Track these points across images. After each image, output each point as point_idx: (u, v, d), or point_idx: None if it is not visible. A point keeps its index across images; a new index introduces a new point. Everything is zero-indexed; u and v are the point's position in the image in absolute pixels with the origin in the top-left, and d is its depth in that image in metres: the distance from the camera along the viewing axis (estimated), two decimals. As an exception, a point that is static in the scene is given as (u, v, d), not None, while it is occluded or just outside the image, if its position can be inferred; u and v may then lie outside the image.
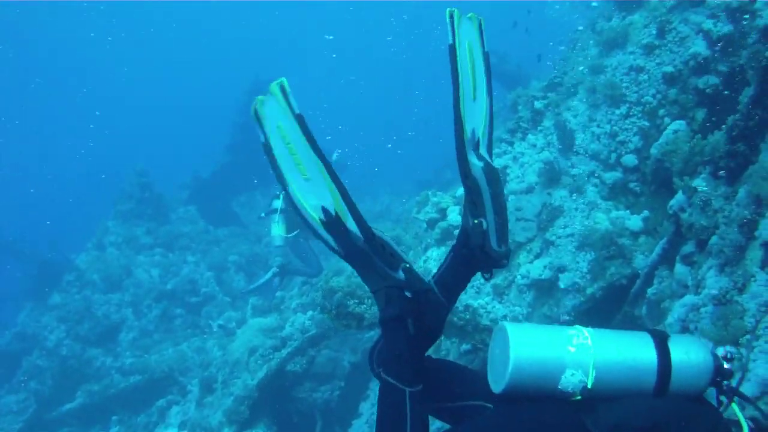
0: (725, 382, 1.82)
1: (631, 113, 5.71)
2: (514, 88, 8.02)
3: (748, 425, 1.75)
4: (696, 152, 4.32)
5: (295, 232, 9.07)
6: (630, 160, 5.62)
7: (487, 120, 2.14)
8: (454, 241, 2.20)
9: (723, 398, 1.85)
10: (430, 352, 2.13)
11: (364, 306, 5.03)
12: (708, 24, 5.27)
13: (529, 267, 5.61)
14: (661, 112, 5.49)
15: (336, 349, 8.34)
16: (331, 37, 41.50)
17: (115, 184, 15.47)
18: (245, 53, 40.51)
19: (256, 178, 15.34)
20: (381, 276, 1.98)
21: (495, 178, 2.08)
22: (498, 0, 18.89)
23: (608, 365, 1.79)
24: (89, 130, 40.63)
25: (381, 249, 1.97)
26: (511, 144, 6.74)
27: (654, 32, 5.74)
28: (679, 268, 4.23)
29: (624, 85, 5.81)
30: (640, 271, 4.95)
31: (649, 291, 4.61)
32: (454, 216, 6.70)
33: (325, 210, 1.92)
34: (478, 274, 2.17)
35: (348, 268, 2.06)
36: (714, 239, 3.79)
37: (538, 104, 6.65)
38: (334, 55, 40.28)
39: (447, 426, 2.07)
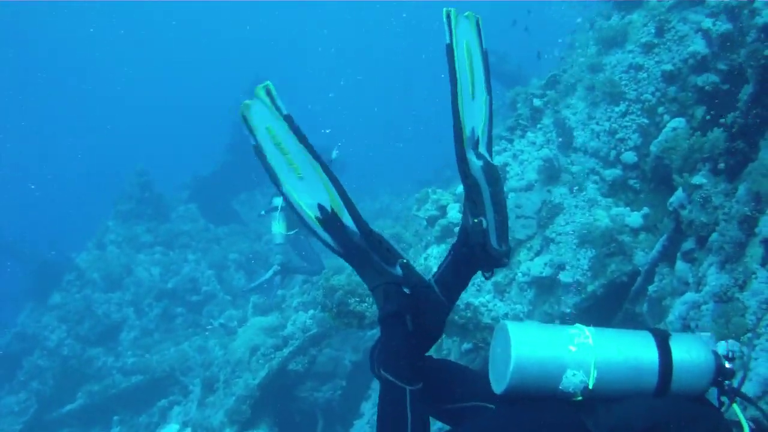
0: (726, 382, 1.81)
1: (630, 111, 5.71)
2: (514, 87, 8.00)
3: (749, 426, 1.74)
4: (695, 149, 4.31)
5: (296, 230, 9.07)
6: (629, 157, 5.61)
7: (487, 118, 2.13)
8: (455, 239, 2.19)
9: (724, 398, 1.83)
10: (431, 352, 2.12)
11: (365, 304, 5.01)
12: (707, 23, 5.26)
13: (529, 264, 5.61)
14: (661, 109, 5.49)
15: (337, 348, 8.33)
16: (325, 32, 41.43)
17: (115, 183, 15.46)
18: (245, 53, 40.41)
19: (256, 176, 15.32)
20: (378, 272, 1.98)
21: (495, 176, 2.07)
22: (498, 0, 18.85)
23: (610, 365, 1.79)
24: (89, 130, 40.62)
25: (378, 244, 1.97)
26: (511, 141, 6.73)
27: (653, 31, 5.74)
28: (680, 265, 4.22)
29: (623, 83, 5.81)
30: (640, 268, 4.95)
31: (650, 288, 4.60)
32: (454, 213, 6.68)
33: (321, 207, 1.92)
34: (479, 273, 2.16)
35: (349, 267, 2.06)
36: (714, 236, 3.79)
37: (537, 102, 6.65)
38: (332, 50, 40.25)
39: (447, 427, 2.07)
